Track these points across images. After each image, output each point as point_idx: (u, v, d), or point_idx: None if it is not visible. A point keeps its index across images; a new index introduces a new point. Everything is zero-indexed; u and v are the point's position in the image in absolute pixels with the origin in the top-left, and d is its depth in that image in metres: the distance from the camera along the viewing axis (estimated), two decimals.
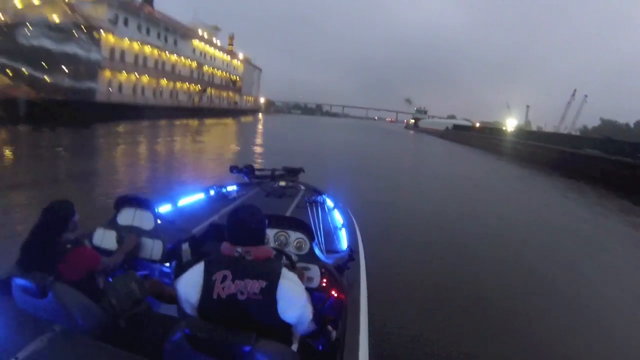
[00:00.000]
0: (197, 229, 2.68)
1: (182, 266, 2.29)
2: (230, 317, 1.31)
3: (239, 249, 1.43)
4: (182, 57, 46.78)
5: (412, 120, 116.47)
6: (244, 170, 4.75)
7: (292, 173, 4.89)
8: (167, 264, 2.36)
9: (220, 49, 59.84)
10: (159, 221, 2.43)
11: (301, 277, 1.84)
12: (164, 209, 3.00)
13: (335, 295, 2.09)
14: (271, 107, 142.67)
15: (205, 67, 53.98)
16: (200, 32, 52.21)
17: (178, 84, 46.49)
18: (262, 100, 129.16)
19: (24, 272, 1.60)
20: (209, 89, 55.22)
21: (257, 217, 1.53)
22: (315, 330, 1.50)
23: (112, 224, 2.44)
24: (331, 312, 2.01)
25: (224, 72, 61.70)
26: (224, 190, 3.93)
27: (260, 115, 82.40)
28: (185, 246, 2.39)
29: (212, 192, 3.84)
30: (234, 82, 66.34)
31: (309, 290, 1.68)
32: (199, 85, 51.71)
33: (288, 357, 1.30)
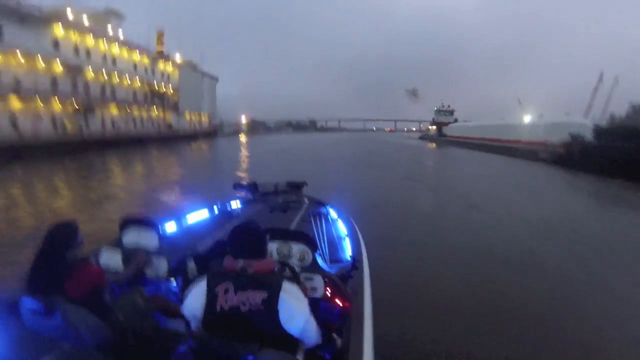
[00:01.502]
0: (202, 246, 2.64)
1: (188, 283, 2.17)
2: (234, 328, 1.32)
3: (241, 262, 1.45)
4: (22, 54, 26.22)
5: (432, 127, 79.62)
6: (247, 187, 4.71)
7: (295, 187, 4.85)
8: (174, 280, 2.37)
9: (128, 44, 39.32)
10: (163, 240, 2.48)
11: (304, 290, 1.66)
12: (169, 227, 2.96)
13: (340, 304, 2.11)
14: (260, 128, 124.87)
15: (90, 73, 33.33)
16: (70, 15, 31.61)
17: (14, 101, 25.77)
18: (243, 119, 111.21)
19: (31, 293, 1.61)
20: (100, 108, 34.13)
21: (256, 231, 1.57)
22: (320, 343, 1.51)
23: (117, 244, 2.46)
24: (336, 320, 2.04)
25: (140, 81, 41.08)
26: (228, 207, 3.86)
27: (241, 136, 61.38)
28: (191, 263, 2.32)
29: (216, 210, 3.73)
30: (161, 96, 45.28)
31: (313, 300, 1.69)
32: (74, 103, 30.94)
33: None
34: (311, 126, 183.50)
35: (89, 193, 12.39)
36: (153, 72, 44.19)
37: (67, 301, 1.59)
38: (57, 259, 1.74)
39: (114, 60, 36.81)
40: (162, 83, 45.75)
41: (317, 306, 1.70)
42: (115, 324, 1.72)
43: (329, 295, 2.15)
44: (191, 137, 49.84)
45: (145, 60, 42.45)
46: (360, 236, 3.39)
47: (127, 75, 38.42)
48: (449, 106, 77.86)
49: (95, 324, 1.61)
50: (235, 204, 3.97)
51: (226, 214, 3.70)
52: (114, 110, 36.21)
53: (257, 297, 1.33)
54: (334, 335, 1.83)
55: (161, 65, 45.98)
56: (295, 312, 1.36)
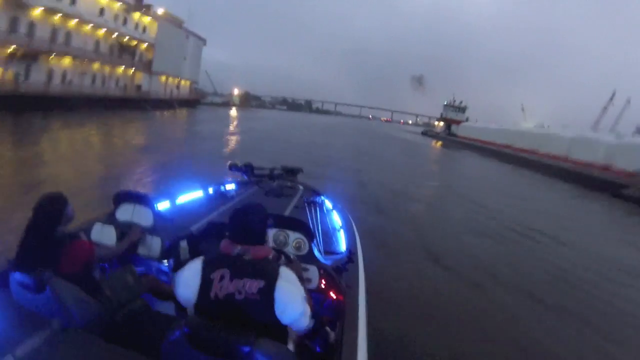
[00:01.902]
0: (195, 227, 2.64)
1: (179, 264, 2.21)
2: (227, 316, 1.30)
3: (238, 247, 1.42)
4: None
5: (439, 123, 69.90)
6: (242, 169, 4.65)
7: (290, 173, 4.78)
8: (165, 262, 2.35)
9: None
10: (156, 218, 2.44)
11: (298, 271, 1.74)
12: (162, 206, 2.93)
13: (334, 296, 2.10)
14: (252, 102, 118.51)
15: (36, 12, 27.34)
16: None
17: None
18: (235, 91, 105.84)
19: (21, 267, 1.59)
20: (47, 57, 28.26)
21: (259, 217, 1.51)
22: (311, 328, 1.48)
23: (110, 219, 2.42)
24: (329, 313, 2.02)
25: (107, 30, 34.71)
26: (222, 188, 3.82)
27: (232, 110, 54.34)
28: (184, 244, 2.30)
29: (210, 190, 3.72)
30: (132, 51, 39.04)
31: (307, 291, 1.74)
32: (10, 46, 25.13)
33: (287, 357, 1.30)
34: (306, 106, 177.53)
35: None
36: (125, 21, 37.83)
37: (58, 277, 1.56)
38: (47, 234, 1.71)
39: (73, 0, 30.69)
40: (136, 37, 39.55)
41: (310, 298, 1.64)
42: (105, 302, 1.68)
43: (323, 287, 2.15)
44: (165, 103, 44.14)
45: (116, 6, 36.13)
46: (356, 229, 3.36)
47: (87, 22, 32.31)
48: (461, 102, 66.99)
49: (86, 301, 1.58)
50: (230, 186, 3.90)
51: (220, 196, 3.66)
52: (66, 62, 30.43)
53: (253, 285, 1.31)
54: (327, 328, 1.80)
55: (136, 15, 39.62)
56: (290, 301, 1.33)
